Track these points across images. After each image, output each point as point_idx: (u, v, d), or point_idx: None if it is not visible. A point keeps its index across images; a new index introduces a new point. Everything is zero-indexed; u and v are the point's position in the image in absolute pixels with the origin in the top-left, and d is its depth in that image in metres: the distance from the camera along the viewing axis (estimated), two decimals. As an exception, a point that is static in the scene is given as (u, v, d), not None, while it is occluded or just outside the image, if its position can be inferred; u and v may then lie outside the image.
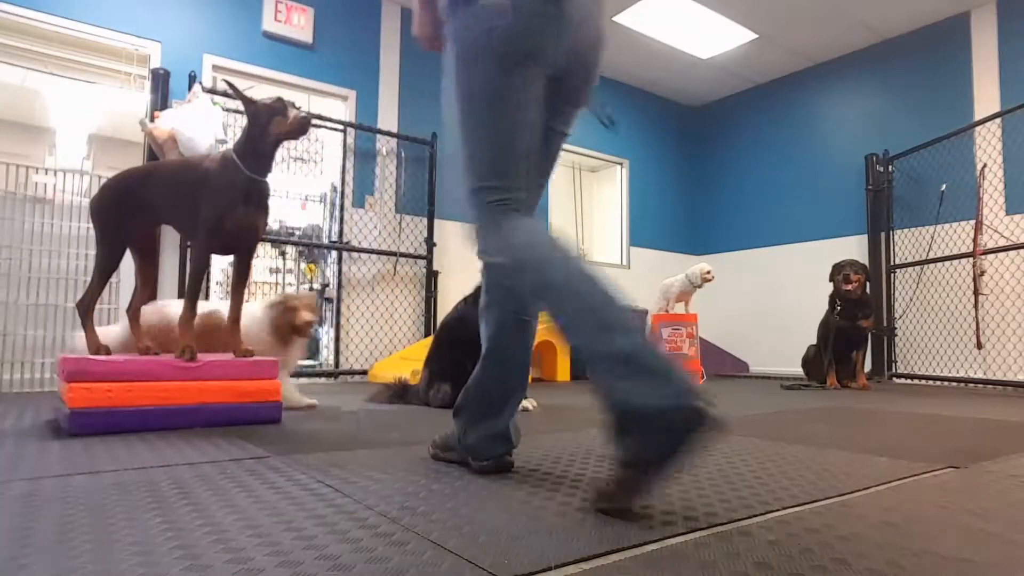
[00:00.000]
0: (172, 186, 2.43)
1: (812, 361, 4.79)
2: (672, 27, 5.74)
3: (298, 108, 2.44)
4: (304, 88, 5.01)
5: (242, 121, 4.54)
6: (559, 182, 7.12)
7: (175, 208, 2.45)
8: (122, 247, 2.51)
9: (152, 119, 4.00)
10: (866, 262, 5.16)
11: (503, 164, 1.30)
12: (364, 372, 4.94)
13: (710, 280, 4.31)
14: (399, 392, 3.16)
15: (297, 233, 5.33)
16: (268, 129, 2.39)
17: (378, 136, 5.23)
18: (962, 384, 4.92)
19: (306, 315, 2.71)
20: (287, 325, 2.70)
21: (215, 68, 4.61)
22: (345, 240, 5.00)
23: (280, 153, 2.89)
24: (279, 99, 2.44)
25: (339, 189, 5.05)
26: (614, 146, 6.85)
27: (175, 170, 2.50)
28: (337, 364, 4.92)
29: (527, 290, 1.25)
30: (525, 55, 1.27)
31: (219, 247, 2.47)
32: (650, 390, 1.04)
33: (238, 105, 4.46)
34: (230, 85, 2.43)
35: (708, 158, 7.37)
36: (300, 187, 5.65)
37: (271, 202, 2.51)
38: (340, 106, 5.21)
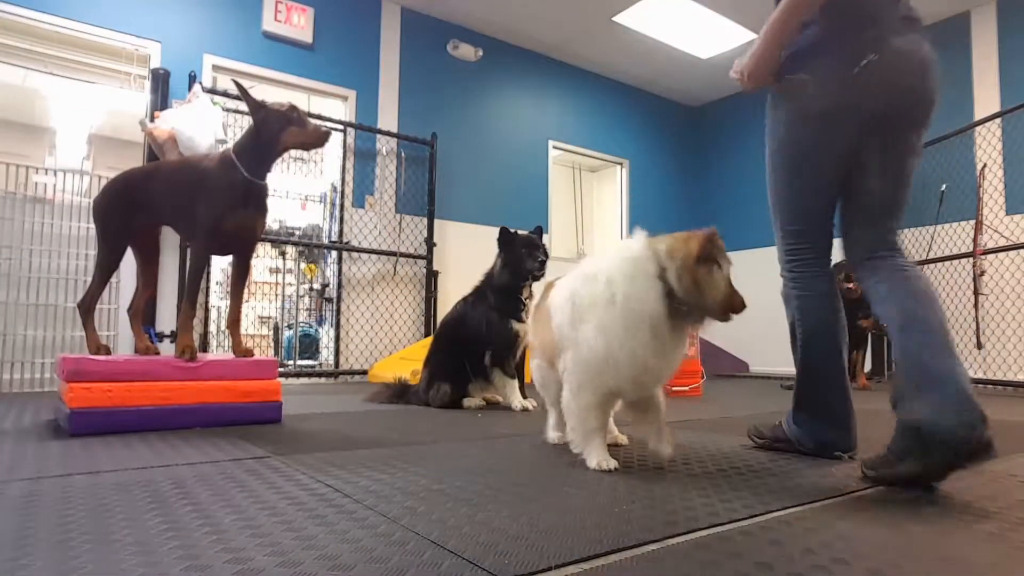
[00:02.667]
0: (171, 186, 2.42)
1: (812, 361, 4.78)
2: (672, 27, 5.74)
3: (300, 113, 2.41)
4: (304, 88, 5.01)
5: (243, 121, 4.56)
6: (559, 182, 7.12)
7: (174, 208, 2.44)
8: (123, 247, 2.51)
9: (152, 119, 4.00)
10: (866, 262, 5.15)
11: None
12: (364, 372, 4.93)
13: None
14: (399, 392, 3.16)
15: (297, 233, 5.33)
16: (280, 137, 2.35)
17: (378, 136, 5.23)
18: (962, 384, 4.91)
19: None
20: None
21: (215, 68, 4.61)
22: (345, 240, 5.00)
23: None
24: (292, 106, 2.39)
25: (339, 189, 5.05)
26: (614, 146, 6.85)
27: (174, 170, 2.50)
28: (337, 364, 4.92)
29: None
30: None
31: (218, 247, 2.47)
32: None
33: (238, 105, 4.49)
34: (238, 86, 2.40)
35: (708, 158, 7.37)
36: (300, 187, 5.65)
37: (270, 202, 2.50)
38: (340, 106, 5.21)
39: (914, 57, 1.55)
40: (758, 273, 6.91)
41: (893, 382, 1.47)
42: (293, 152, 5.19)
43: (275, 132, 2.35)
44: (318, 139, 2.39)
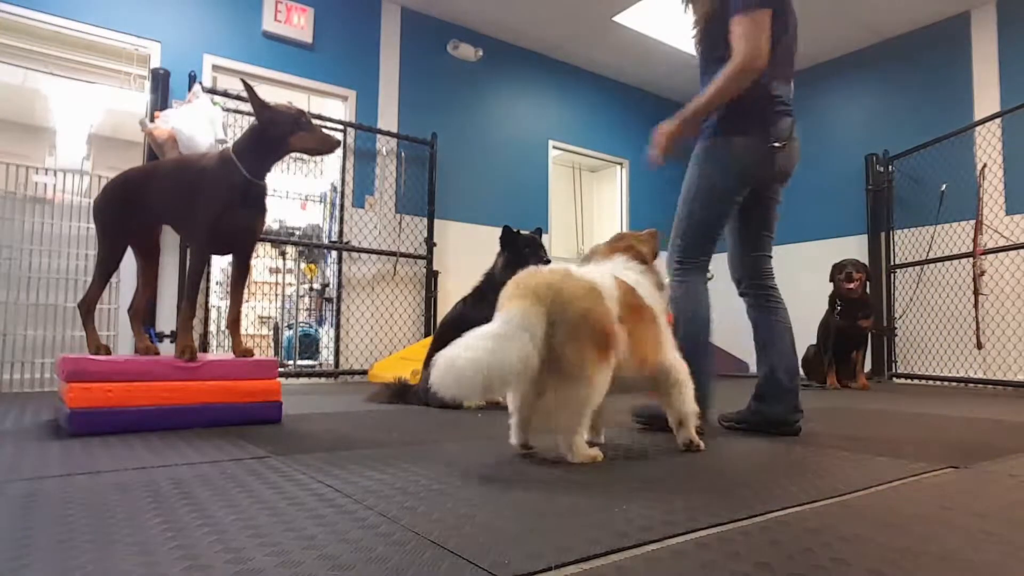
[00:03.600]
0: (169, 185, 2.40)
1: (812, 361, 4.79)
2: (672, 27, 5.74)
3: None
4: (304, 88, 5.02)
5: (243, 121, 4.56)
6: (559, 182, 7.12)
7: (172, 207, 2.42)
8: (123, 247, 2.51)
9: (152, 119, 4.00)
10: (866, 262, 5.16)
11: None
12: (364, 372, 4.94)
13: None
14: (399, 392, 3.15)
15: (297, 233, 5.33)
16: (287, 140, 2.31)
17: (378, 136, 5.23)
18: (962, 384, 4.92)
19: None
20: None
21: (215, 68, 4.61)
22: (345, 240, 5.00)
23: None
24: (300, 111, 2.36)
25: (339, 189, 5.05)
26: (614, 146, 6.86)
27: (172, 169, 2.47)
28: (337, 364, 4.92)
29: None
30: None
31: (217, 247, 2.46)
32: None
33: (238, 105, 4.49)
34: (246, 85, 2.36)
35: (708, 158, 7.36)
36: (300, 187, 5.65)
37: (269, 202, 2.49)
38: (340, 106, 5.21)
39: (797, 145, 2.21)
40: (758, 273, 6.87)
41: (759, 384, 2.20)
42: (294, 153, 5.21)
43: (282, 134, 2.31)
44: (326, 146, 2.35)
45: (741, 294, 2.35)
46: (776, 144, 2.08)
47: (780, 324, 2.21)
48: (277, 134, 2.31)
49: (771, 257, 2.30)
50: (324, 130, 2.36)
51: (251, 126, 2.37)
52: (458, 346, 1.45)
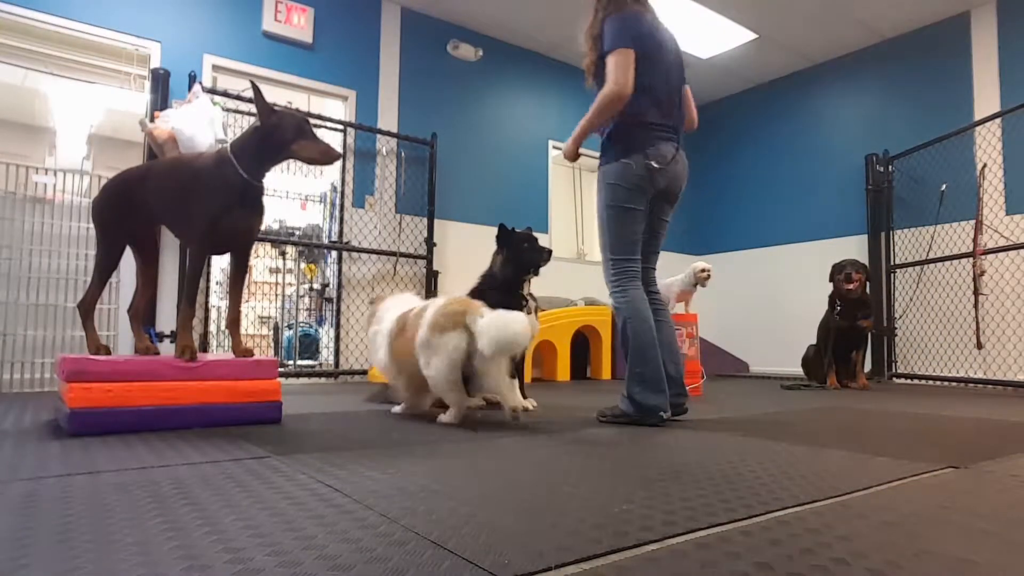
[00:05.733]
0: (166, 185, 2.40)
1: (812, 361, 4.79)
2: (672, 27, 5.72)
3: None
4: (304, 88, 5.02)
5: (243, 121, 4.56)
6: (559, 182, 7.12)
7: (168, 207, 2.41)
8: (122, 247, 2.51)
9: (152, 119, 4.00)
10: (866, 262, 5.16)
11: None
12: (364, 372, 4.94)
13: (704, 278, 4.29)
14: (399, 392, 3.15)
15: (297, 233, 5.33)
16: (289, 146, 2.31)
17: (378, 136, 5.23)
18: (962, 384, 4.92)
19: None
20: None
21: (215, 68, 4.61)
22: (345, 240, 5.00)
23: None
24: (305, 119, 2.35)
25: (339, 189, 5.05)
26: (614, 146, 6.84)
27: (168, 169, 2.46)
28: (337, 364, 4.92)
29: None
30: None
31: (215, 247, 2.46)
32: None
33: (238, 105, 4.49)
34: (254, 87, 2.35)
35: (708, 158, 7.36)
36: (300, 187, 5.64)
37: (266, 201, 2.49)
38: (340, 106, 5.21)
39: (682, 167, 2.58)
40: (757, 273, 6.93)
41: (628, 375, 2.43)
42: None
43: (285, 141, 2.30)
44: (326, 157, 2.35)
45: None
46: (655, 164, 2.42)
47: (666, 324, 2.56)
48: (279, 139, 2.30)
49: (655, 269, 2.68)
50: (326, 142, 2.35)
51: (252, 127, 2.35)
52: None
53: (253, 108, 4.49)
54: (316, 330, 5.41)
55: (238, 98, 4.42)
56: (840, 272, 4.61)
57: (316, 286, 5.49)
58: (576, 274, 6.22)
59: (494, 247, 3.05)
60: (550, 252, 2.99)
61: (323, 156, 2.35)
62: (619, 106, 2.38)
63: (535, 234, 3.06)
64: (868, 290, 4.73)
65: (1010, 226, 4.94)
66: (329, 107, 5.19)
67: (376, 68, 5.33)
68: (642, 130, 2.45)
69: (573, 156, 2.63)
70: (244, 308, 2.62)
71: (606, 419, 2.49)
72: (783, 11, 5.46)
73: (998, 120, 4.94)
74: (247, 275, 2.57)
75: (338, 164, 5.05)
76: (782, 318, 6.34)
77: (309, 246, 5.21)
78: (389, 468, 1.52)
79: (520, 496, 1.25)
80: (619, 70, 2.35)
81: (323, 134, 5.12)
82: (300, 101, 5.01)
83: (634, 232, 2.49)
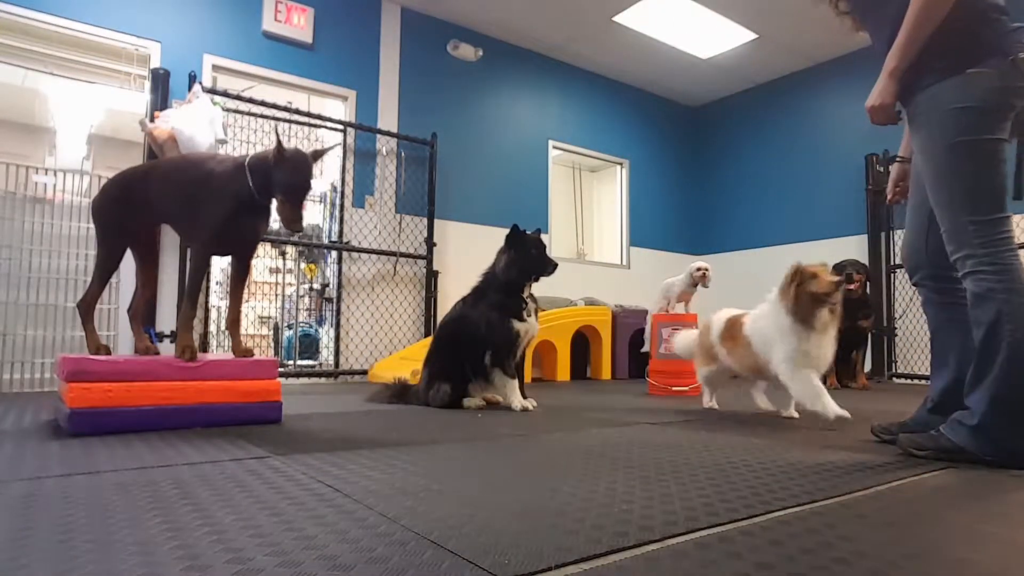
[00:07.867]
0: (171, 184, 2.39)
1: (812, 361, 4.78)
2: (672, 27, 5.74)
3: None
4: (304, 88, 5.01)
5: (243, 121, 4.56)
6: (559, 182, 7.12)
7: (173, 206, 2.41)
8: (122, 247, 2.51)
9: (152, 119, 3.99)
10: (866, 262, 5.15)
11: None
12: (364, 372, 4.94)
13: (701, 277, 4.28)
14: (399, 392, 3.16)
15: (297, 233, 5.32)
16: (271, 193, 2.31)
17: (378, 136, 5.23)
18: (962, 384, 4.90)
19: (827, 278, 2.39)
20: (807, 298, 2.37)
21: (215, 68, 4.60)
22: (345, 240, 5.00)
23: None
24: (304, 185, 2.31)
25: (339, 189, 5.05)
26: (614, 146, 6.85)
27: (174, 168, 2.46)
28: (337, 364, 4.92)
29: None
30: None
31: (218, 248, 2.46)
32: None
33: (238, 105, 4.49)
34: (277, 135, 2.37)
35: (708, 158, 7.36)
36: (300, 187, 5.62)
37: (271, 208, 2.48)
38: (340, 106, 5.21)
39: None
40: (757, 273, 6.92)
41: None
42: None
43: (271, 186, 2.29)
44: (289, 224, 2.32)
45: (917, 284, 1.97)
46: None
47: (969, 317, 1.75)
48: (270, 181, 2.29)
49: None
50: (301, 214, 2.32)
51: (274, 150, 2.30)
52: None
53: (253, 108, 4.52)
54: (316, 330, 5.41)
55: (238, 98, 4.42)
56: (841, 272, 4.61)
57: (316, 286, 5.49)
58: (576, 274, 6.22)
59: (495, 247, 3.05)
60: (555, 265, 3.00)
61: (285, 221, 2.32)
62: None
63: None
64: (868, 290, 4.72)
65: (1010, 226, 4.93)
66: (329, 107, 5.19)
67: (376, 68, 5.32)
68: (990, 22, 1.70)
69: (890, 109, 1.90)
70: (244, 308, 2.61)
71: (925, 454, 1.72)
72: (783, 11, 5.46)
73: (998, 120, 4.93)
74: (248, 276, 2.58)
75: (338, 164, 5.06)
76: (782, 318, 6.32)
77: (309, 246, 5.21)
78: (389, 468, 1.52)
79: (520, 496, 1.25)
80: None
81: (323, 134, 5.13)
82: (300, 101, 5.01)
83: (1000, 174, 1.70)
